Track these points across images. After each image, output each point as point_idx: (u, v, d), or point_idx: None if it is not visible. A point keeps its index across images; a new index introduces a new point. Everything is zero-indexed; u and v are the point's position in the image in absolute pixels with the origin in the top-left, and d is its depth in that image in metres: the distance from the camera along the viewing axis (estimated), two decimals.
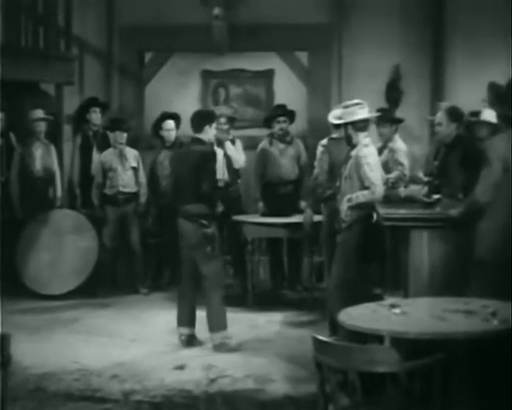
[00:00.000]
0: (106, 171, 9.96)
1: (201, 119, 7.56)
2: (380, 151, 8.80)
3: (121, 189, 9.96)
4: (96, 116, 10.44)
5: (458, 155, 7.11)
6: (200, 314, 7.52)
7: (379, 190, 7.06)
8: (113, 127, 10.03)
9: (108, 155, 10.00)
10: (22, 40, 10.21)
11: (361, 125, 7.08)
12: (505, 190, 5.60)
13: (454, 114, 7.36)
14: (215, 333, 7.38)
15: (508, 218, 5.59)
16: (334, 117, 8.09)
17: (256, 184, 9.70)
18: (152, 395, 6.26)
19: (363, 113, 7.09)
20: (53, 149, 10.11)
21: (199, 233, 7.33)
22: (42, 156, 10.00)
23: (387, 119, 8.76)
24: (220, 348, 7.33)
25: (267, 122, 9.82)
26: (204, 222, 7.32)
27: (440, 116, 7.32)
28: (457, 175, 6.91)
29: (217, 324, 7.38)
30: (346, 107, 7.26)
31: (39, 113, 9.94)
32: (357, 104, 7.12)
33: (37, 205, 9.89)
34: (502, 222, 5.59)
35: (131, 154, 10.08)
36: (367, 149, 7.16)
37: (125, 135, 9.99)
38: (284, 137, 9.75)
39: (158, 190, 10.16)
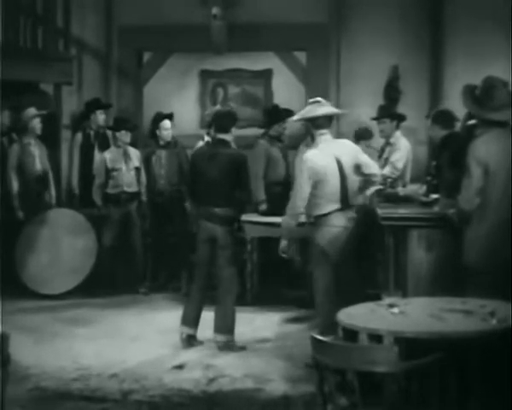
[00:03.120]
0: (109, 170, 9.95)
1: (230, 120, 7.45)
2: (383, 148, 8.86)
3: (125, 189, 9.97)
4: (102, 118, 10.47)
5: (447, 154, 7.17)
6: (202, 315, 7.53)
7: (296, 196, 6.98)
8: (118, 127, 10.03)
9: (112, 155, 9.99)
10: (21, 40, 10.22)
11: (319, 123, 6.96)
12: (489, 194, 5.58)
13: (437, 117, 7.57)
14: (221, 335, 7.38)
15: (494, 221, 5.56)
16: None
17: (260, 183, 9.66)
18: (151, 394, 6.27)
19: (321, 110, 6.98)
20: (44, 148, 10.11)
21: (230, 236, 7.36)
22: (40, 155, 10.01)
23: (385, 114, 8.82)
24: (224, 349, 7.34)
25: (274, 121, 9.80)
26: (234, 225, 7.41)
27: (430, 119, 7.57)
28: (449, 174, 6.93)
29: (225, 327, 7.37)
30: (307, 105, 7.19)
31: (32, 111, 9.94)
32: (316, 102, 7.04)
33: (37, 205, 9.91)
34: (488, 226, 5.57)
35: (134, 153, 10.09)
36: (306, 154, 7.12)
37: (129, 135, 10.01)
38: (281, 138, 9.85)
39: (155, 189, 10.17)
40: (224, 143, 7.40)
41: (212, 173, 7.36)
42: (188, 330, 7.52)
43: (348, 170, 6.85)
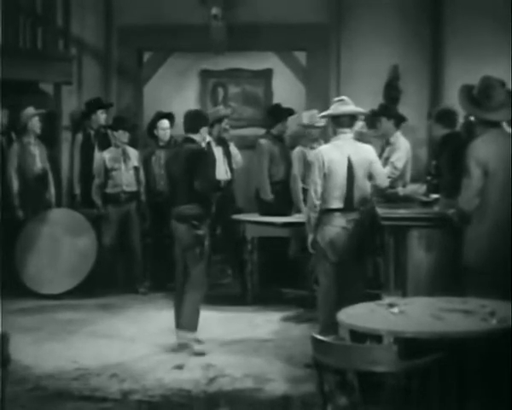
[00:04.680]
0: (108, 170, 9.96)
1: (199, 120, 7.49)
2: (382, 148, 8.87)
3: (125, 188, 9.98)
4: (103, 117, 10.46)
5: (447, 154, 7.17)
6: (202, 315, 7.52)
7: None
8: (117, 126, 10.03)
9: (111, 155, 10.00)
10: (21, 40, 10.21)
11: (341, 121, 6.98)
12: (489, 194, 5.57)
13: (440, 116, 7.57)
14: (182, 332, 7.30)
15: (494, 222, 5.56)
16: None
17: (266, 182, 9.69)
18: (151, 394, 6.27)
19: (343, 109, 7.00)
20: (44, 148, 10.11)
21: (190, 235, 7.27)
22: (40, 155, 10.02)
23: (381, 113, 8.82)
24: (183, 348, 7.26)
25: (277, 120, 9.82)
26: (195, 223, 7.26)
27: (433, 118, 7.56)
28: (448, 174, 6.93)
29: (187, 324, 7.29)
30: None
31: (31, 110, 9.93)
32: (340, 100, 7.08)
33: (37, 204, 9.91)
34: (488, 226, 5.56)
35: (133, 153, 10.11)
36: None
37: (127, 134, 10.01)
38: (282, 137, 9.90)
39: (155, 189, 10.17)
40: (190, 141, 7.40)
41: (175, 172, 7.42)
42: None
43: (359, 173, 6.86)
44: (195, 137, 7.42)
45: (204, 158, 7.41)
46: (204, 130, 7.50)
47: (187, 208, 7.29)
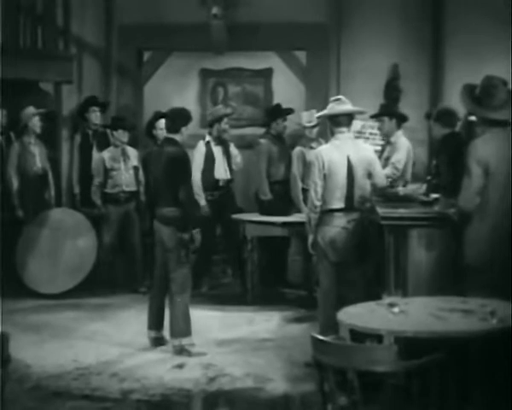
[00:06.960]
0: (107, 170, 9.95)
1: (180, 120, 7.34)
2: (383, 148, 8.87)
3: (124, 188, 9.98)
4: (95, 116, 10.45)
5: (447, 153, 7.17)
6: (199, 314, 7.52)
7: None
8: (116, 126, 10.03)
9: (110, 154, 10.00)
10: (21, 40, 10.21)
11: (338, 121, 6.97)
12: (489, 193, 5.57)
13: (440, 115, 7.58)
14: (174, 339, 7.27)
15: (494, 221, 5.56)
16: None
17: (264, 182, 9.70)
18: (151, 393, 6.28)
19: (340, 108, 7.00)
20: (44, 147, 10.11)
21: (174, 238, 7.18)
22: (40, 154, 10.02)
23: (383, 113, 8.82)
24: (181, 353, 7.22)
25: (273, 119, 9.82)
26: (180, 226, 7.14)
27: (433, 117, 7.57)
28: (447, 174, 6.92)
29: (179, 330, 7.25)
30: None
31: (31, 109, 9.93)
32: (337, 100, 7.07)
33: (37, 204, 9.91)
34: (489, 226, 5.56)
35: (133, 153, 10.10)
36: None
37: (127, 134, 10.00)
38: (282, 137, 9.90)
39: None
40: (171, 141, 7.29)
41: (157, 173, 7.34)
42: (154, 334, 7.49)
43: (358, 172, 6.85)
44: (176, 137, 7.30)
45: (186, 164, 7.29)
46: (185, 130, 7.34)
47: (170, 211, 7.20)
